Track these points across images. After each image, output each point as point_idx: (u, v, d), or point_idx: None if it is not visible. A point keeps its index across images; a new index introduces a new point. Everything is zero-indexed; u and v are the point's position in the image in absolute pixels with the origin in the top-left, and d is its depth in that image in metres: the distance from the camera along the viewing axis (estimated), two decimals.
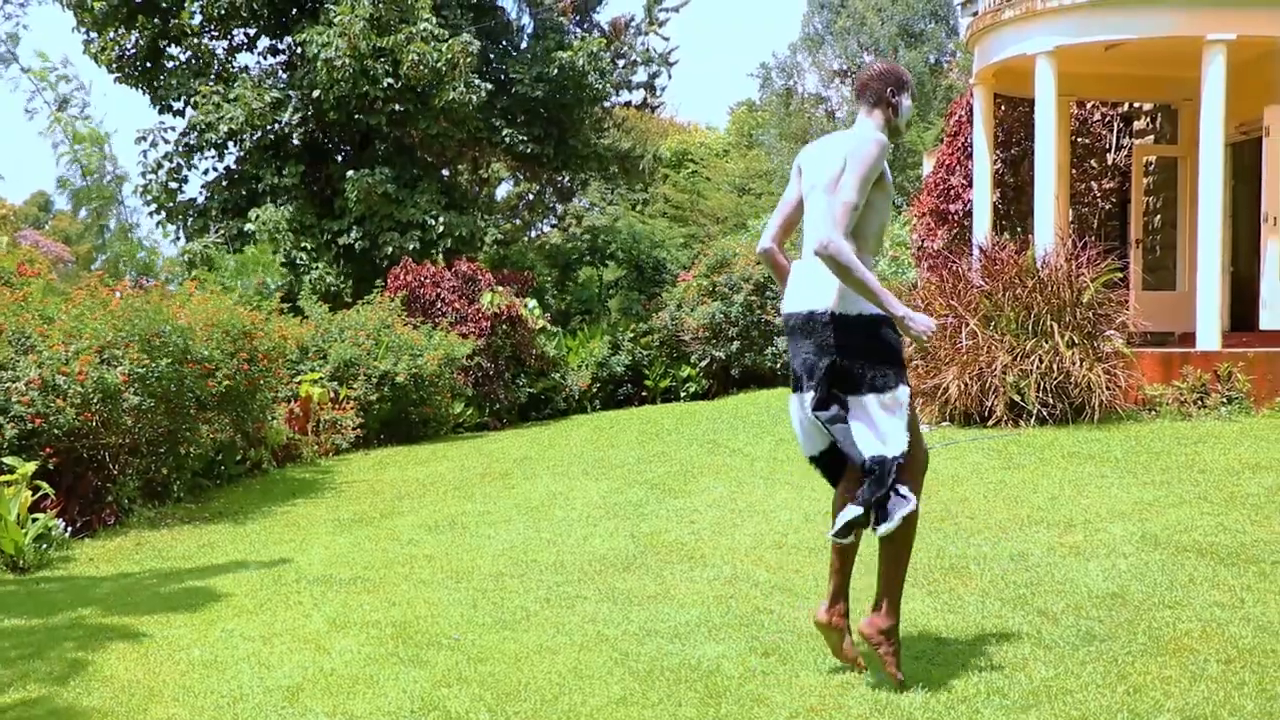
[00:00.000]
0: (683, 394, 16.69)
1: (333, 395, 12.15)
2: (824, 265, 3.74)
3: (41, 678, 4.41)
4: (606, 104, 20.42)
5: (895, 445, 3.73)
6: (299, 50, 16.84)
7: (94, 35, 17.57)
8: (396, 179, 16.69)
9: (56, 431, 7.55)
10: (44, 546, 6.86)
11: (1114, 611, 4.51)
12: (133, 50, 17.59)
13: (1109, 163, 14.35)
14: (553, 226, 27.02)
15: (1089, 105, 14.18)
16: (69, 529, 7.45)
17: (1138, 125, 14.31)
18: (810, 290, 3.86)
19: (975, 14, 11.80)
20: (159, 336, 8.47)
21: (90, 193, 27.91)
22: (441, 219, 16.75)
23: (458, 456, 11.07)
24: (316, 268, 16.76)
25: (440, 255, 16.80)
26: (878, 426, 3.75)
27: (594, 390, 16.69)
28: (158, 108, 17.76)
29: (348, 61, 15.54)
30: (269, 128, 17.09)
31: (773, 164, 30.56)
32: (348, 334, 12.86)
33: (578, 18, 20.53)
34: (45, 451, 7.49)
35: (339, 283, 16.85)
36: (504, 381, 15.27)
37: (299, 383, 11.79)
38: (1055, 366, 9.08)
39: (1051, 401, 9.09)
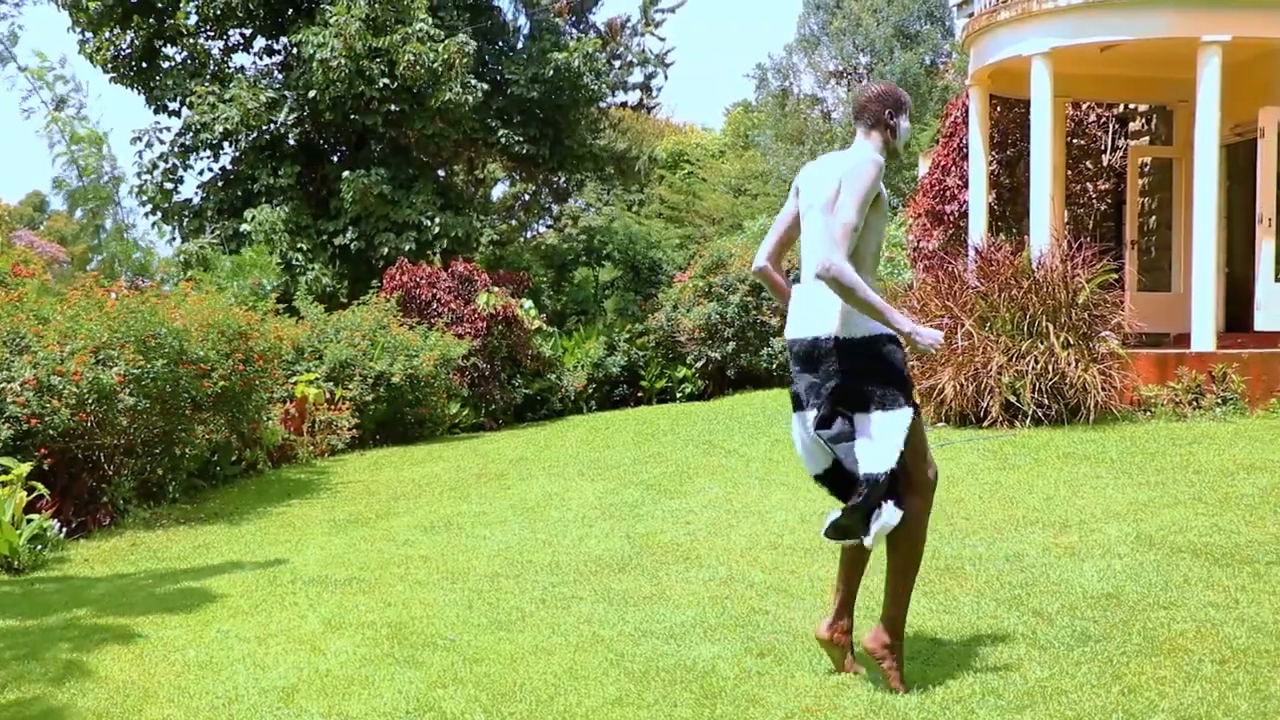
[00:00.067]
0: (678, 395, 16.68)
1: (328, 396, 12.14)
2: (825, 289, 3.75)
3: (36, 678, 4.40)
4: (602, 105, 20.44)
5: (887, 461, 3.74)
6: (295, 50, 16.80)
7: (89, 35, 17.52)
8: (392, 179, 16.67)
9: (51, 432, 7.55)
10: (39, 547, 6.86)
11: (1109, 612, 4.52)
12: (128, 50, 17.54)
13: (1104, 164, 14.37)
14: (548, 227, 27.02)
15: (1084, 106, 14.20)
16: (64, 530, 7.44)
17: (1133, 126, 14.33)
18: (813, 316, 3.87)
19: (971, 15, 11.81)
20: (154, 337, 8.47)
21: (87, 193, 27.83)
22: (437, 219, 16.73)
23: (453, 457, 11.07)
24: (312, 268, 16.73)
25: (436, 256, 16.80)
26: (877, 443, 3.76)
27: (590, 391, 16.67)
28: (153, 108, 17.71)
29: (343, 62, 15.52)
30: (264, 128, 17.08)
31: (768, 165, 30.53)
32: (343, 334, 12.85)
33: (574, 18, 20.55)
34: (40, 452, 7.49)
35: (335, 283, 16.84)
36: (500, 382, 15.26)
37: (294, 383, 11.78)
38: (1050, 367, 9.09)
39: (1047, 402, 9.10)
